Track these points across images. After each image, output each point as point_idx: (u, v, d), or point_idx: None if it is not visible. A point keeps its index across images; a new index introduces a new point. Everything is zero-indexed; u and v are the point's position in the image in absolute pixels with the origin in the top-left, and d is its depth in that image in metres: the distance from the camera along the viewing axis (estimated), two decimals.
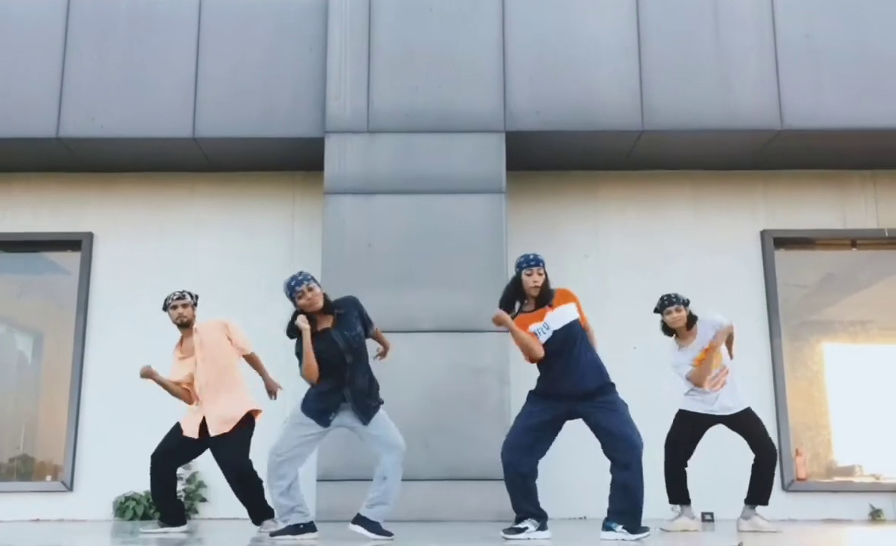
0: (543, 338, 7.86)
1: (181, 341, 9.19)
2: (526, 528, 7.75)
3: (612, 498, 7.73)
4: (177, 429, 9.06)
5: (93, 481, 12.39)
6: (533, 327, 7.89)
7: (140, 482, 11.74)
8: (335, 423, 7.93)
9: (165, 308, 9.18)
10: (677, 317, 9.26)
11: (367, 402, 7.91)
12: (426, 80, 12.25)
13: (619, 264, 12.83)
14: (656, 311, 9.43)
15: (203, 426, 8.89)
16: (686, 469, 9.44)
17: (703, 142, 12.48)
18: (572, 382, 7.85)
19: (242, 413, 8.89)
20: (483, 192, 11.96)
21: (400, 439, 7.96)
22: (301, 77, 12.50)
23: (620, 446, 7.68)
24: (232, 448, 8.89)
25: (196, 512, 12.14)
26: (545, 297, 7.98)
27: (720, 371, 9.27)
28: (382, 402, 8.06)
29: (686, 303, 9.33)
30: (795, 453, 12.53)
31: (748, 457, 9.33)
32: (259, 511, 9.07)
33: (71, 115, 12.28)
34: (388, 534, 7.81)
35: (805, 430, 12.79)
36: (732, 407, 9.30)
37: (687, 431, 9.40)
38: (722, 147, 12.64)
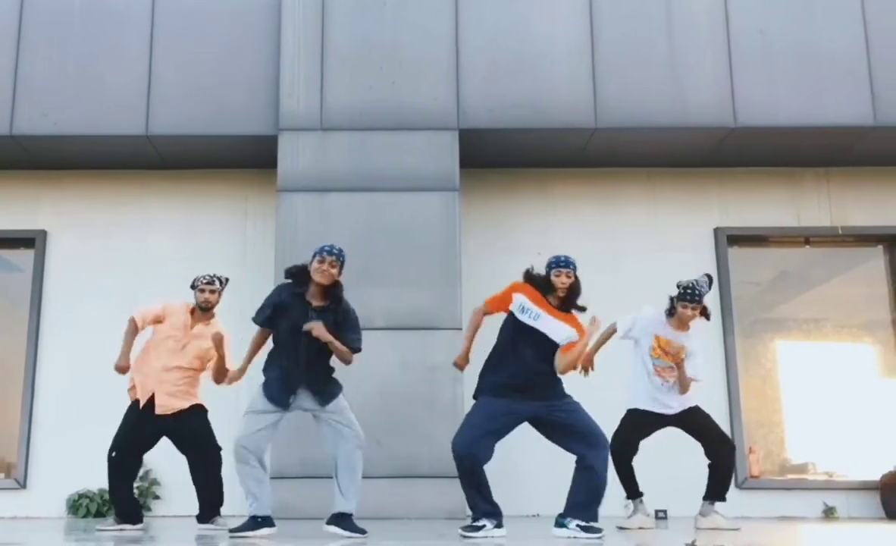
0: (524, 318, 7.91)
1: (190, 321, 9.15)
2: (483, 526, 7.68)
3: (574, 491, 7.76)
4: (129, 418, 9.04)
5: (46, 479, 12.36)
6: (528, 306, 7.95)
7: (94, 480, 11.84)
8: (294, 406, 7.92)
9: (193, 287, 9.25)
10: (692, 315, 9.11)
11: (322, 389, 7.94)
12: (380, 77, 12.25)
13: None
14: (677, 298, 9.16)
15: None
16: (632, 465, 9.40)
17: (656, 139, 12.51)
18: (520, 380, 7.87)
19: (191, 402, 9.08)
20: (437, 190, 11.98)
21: (358, 429, 7.99)
22: (254, 75, 12.49)
23: (590, 440, 7.71)
24: (198, 419, 9.11)
25: (149, 509, 12.10)
26: (569, 301, 8.02)
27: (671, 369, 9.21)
28: (341, 389, 8.08)
29: (709, 288, 9.15)
30: (749, 451, 12.59)
31: (701, 453, 9.32)
32: (212, 502, 9.21)
33: (24, 113, 12.25)
34: (362, 531, 7.82)
35: (758, 427, 12.85)
36: (678, 406, 9.24)
37: (634, 430, 9.31)
38: (676, 145, 12.68)
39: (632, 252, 12.83)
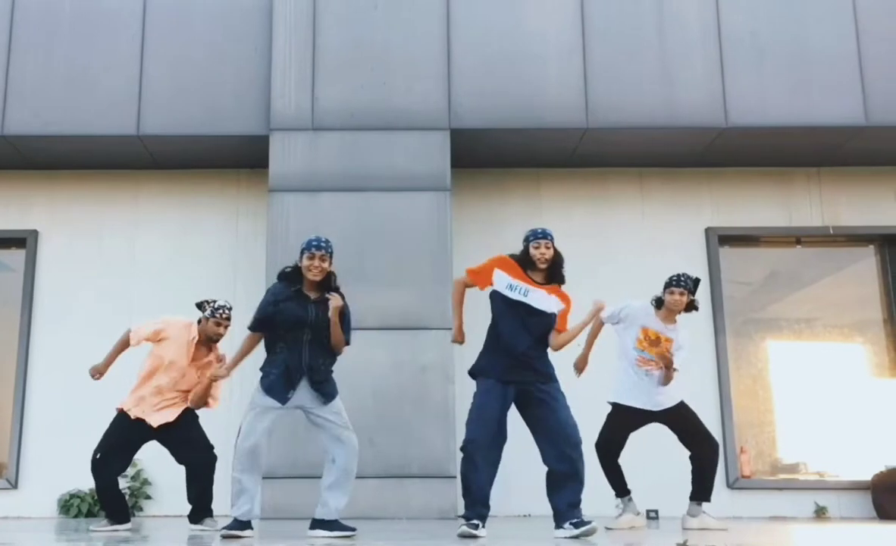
0: (514, 296, 7.82)
1: (193, 350, 9.07)
2: (478, 525, 7.62)
3: (564, 493, 7.69)
4: (118, 425, 9.04)
5: (37, 479, 12.38)
6: (513, 282, 7.85)
7: (85, 480, 11.70)
8: (293, 402, 7.82)
9: (205, 312, 9.08)
10: (679, 300, 9.05)
11: (323, 385, 7.88)
12: (371, 77, 12.27)
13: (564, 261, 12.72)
14: (665, 285, 9.17)
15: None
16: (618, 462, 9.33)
17: (647, 139, 12.54)
18: (514, 356, 7.78)
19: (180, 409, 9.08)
20: (428, 190, 12.01)
21: (353, 437, 7.92)
22: (246, 75, 12.52)
23: (559, 445, 7.65)
24: (188, 423, 9.09)
25: (141, 509, 12.14)
26: (553, 275, 7.95)
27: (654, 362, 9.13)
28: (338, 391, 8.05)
29: (693, 288, 9.14)
30: (740, 450, 12.59)
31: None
32: (203, 503, 9.18)
33: (16, 113, 12.27)
34: (350, 529, 7.76)
35: (749, 427, 12.86)
36: (664, 402, 9.16)
37: (621, 427, 9.23)
38: (667, 145, 12.71)
39: (623, 252, 12.85)
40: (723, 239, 13.12)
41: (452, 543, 7.35)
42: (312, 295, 7.86)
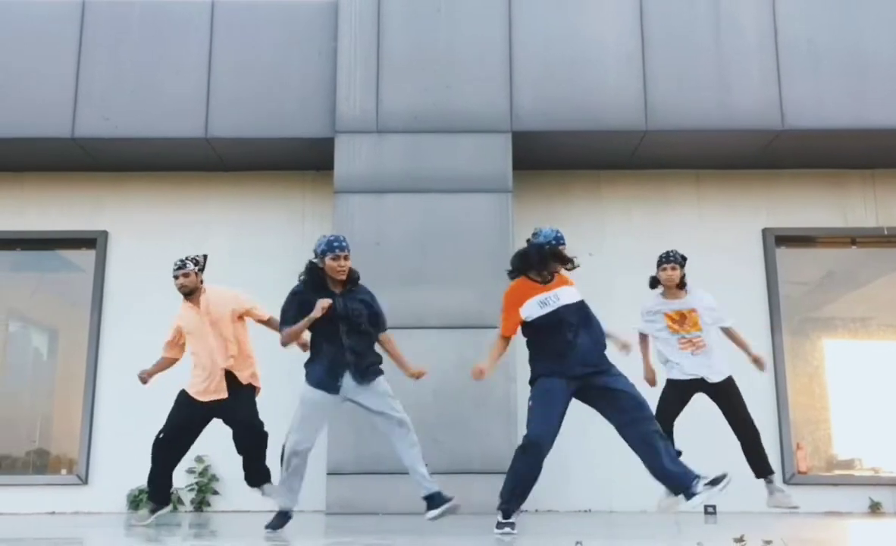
0: (548, 309, 7.95)
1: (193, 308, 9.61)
2: (514, 523, 7.80)
3: (670, 461, 7.68)
4: (179, 400, 9.43)
5: (107, 475, 12.61)
6: (542, 298, 8.00)
7: None
8: (343, 392, 8.09)
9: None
10: (672, 275, 9.55)
11: (367, 371, 8.13)
12: (434, 81, 12.46)
13: (624, 262, 12.86)
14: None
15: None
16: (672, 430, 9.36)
17: (705, 142, 12.70)
18: (575, 358, 7.88)
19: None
20: (490, 191, 12.18)
21: (403, 412, 8.22)
22: (311, 78, 12.71)
23: (639, 402, 7.79)
24: (247, 403, 9.37)
25: (208, 505, 12.37)
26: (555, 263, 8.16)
27: (696, 338, 9.41)
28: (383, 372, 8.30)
29: (682, 262, 9.62)
30: (797, 447, 12.72)
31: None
32: (259, 472, 9.49)
33: (86, 116, 12.50)
34: (449, 499, 8.11)
35: (806, 424, 12.99)
36: (708, 375, 9.37)
37: (674, 398, 9.45)
38: (724, 147, 12.85)
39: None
40: (779, 240, 13.23)
41: (512, 537, 7.54)
42: (337, 290, 8.14)
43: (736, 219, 13.27)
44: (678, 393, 9.46)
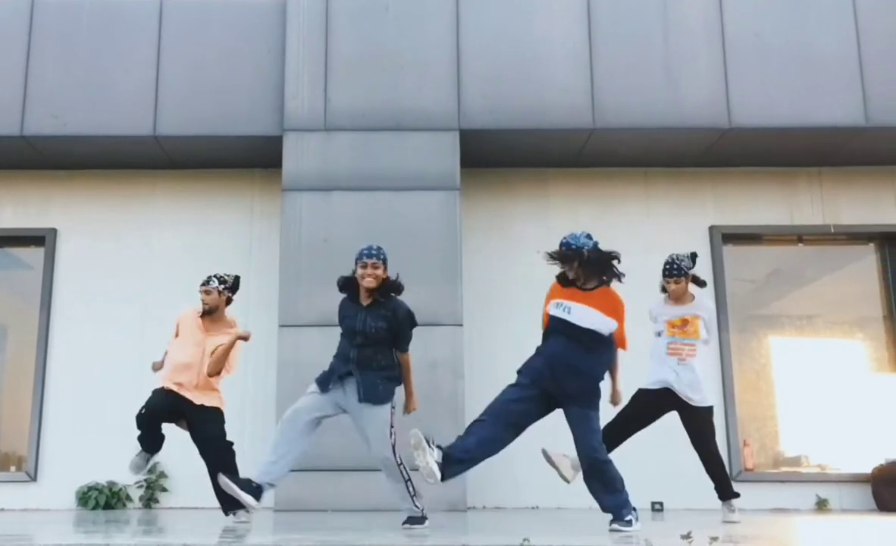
0: (559, 313, 7.96)
1: (201, 323, 9.36)
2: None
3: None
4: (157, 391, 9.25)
5: (56, 472, 12.57)
6: (560, 302, 8.03)
7: (102, 472, 12.11)
8: (332, 394, 8.11)
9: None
10: (676, 289, 9.58)
11: (372, 382, 8.10)
12: (382, 79, 12.48)
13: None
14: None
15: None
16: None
17: (652, 140, 12.73)
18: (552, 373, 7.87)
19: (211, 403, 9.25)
20: (438, 189, 12.20)
21: (385, 447, 8.19)
22: (259, 77, 12.72)
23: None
24: (215, 420, 9.20)
25: (157, 502, 12.38)
26: (592, 276, 8.16)
27: (688, 347, 9.45)
28: (394, 408, 8.28)
29: (687, 274, 9.61)
30: (743, 444, 12.80)
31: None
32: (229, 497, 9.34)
33: (35, 114, 12.48)
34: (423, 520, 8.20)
35: (752, 421, 13.07)
36: (688, 395, 9.38)
37: (643, 406, 9.45)
38: (671, 145, 12.90)
39: (628, 250, 12.51)
40: (726, 237, 13.31)
41: (461, 535, 7.59)
42: (367, 300, 8.13)
43: (683, 216, 13.33)
44: (649, 403, 9.45)
